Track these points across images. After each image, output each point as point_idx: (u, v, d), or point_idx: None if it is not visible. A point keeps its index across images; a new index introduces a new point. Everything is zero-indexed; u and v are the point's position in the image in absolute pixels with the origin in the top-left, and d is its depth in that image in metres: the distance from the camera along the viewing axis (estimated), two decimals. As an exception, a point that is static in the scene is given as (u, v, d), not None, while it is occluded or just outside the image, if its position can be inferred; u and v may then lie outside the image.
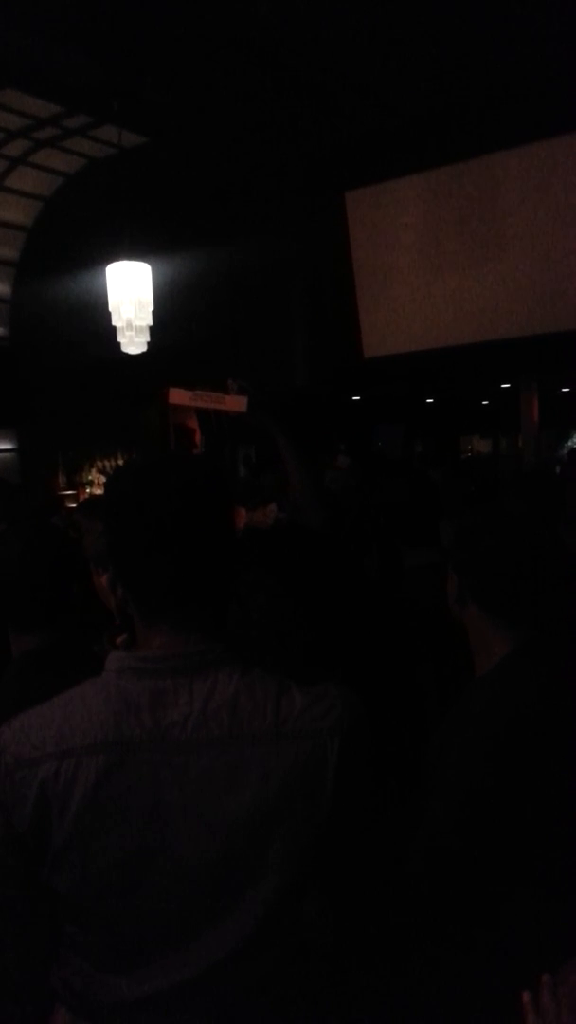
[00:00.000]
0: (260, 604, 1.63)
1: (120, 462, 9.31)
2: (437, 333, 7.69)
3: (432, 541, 2.75)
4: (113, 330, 6.11)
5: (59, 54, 5.72)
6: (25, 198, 8.34)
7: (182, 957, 0.98)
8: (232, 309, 8.34)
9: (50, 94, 6.57)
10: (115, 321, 6.05)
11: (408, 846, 1.32)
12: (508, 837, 1.30)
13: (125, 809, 0.96)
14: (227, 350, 8.10)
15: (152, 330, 6.17)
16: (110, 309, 6.03)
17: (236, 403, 2.30)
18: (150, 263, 6.11)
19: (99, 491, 8.85)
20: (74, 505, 7.61)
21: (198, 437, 9.52)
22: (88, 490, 9.05)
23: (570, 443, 11.49)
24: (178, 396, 2.57)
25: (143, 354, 6.24)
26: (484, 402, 12.56)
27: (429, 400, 12.07)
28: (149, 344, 6.20)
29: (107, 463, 9.30)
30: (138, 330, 6.05)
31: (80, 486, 9.14)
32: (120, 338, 6.12)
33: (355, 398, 10.49)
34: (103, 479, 9.21)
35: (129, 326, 6.01)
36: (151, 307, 6.07)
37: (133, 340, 6.09)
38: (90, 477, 9.22)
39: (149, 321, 6.09)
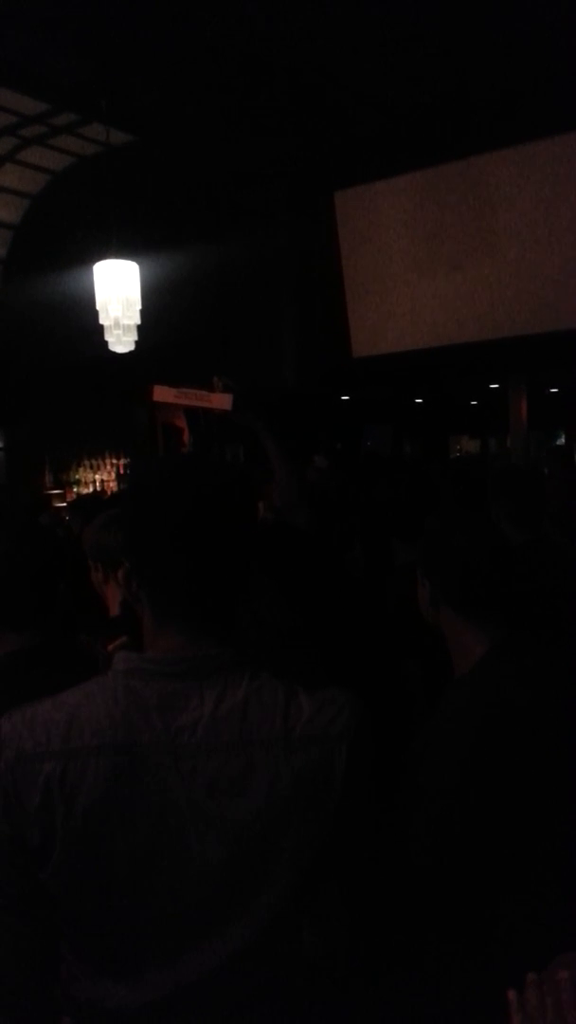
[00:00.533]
0: (267, 604, 1.63)
1: (107, 462, 9.28)
2: (426, 333, 7.69)
3: None
4: (101, 329, 6.07)
5: (47, 52, 5.68)
6: (12, 196, 8.28)
7: (184, 963, 0.97)
8: (221, 308, 8.32)
9: (37, 91, 6.52)
10: (103, 320, 6.02)
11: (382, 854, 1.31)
12: (485, 840, 1.30)
13: (132, 812, 0.95)
14: (215, 349, 8.07)
15: (140, 329, 6.14)
16: (98, 307, 5.99)
17: (221, 401, 2.29)
18: (138, 261, 6.07)
19: (86, 490, 8.82)
20: (63, 504, 7.59)
21: (186, 436, 9.51)
22: (75, 489, 9.02)
23: (557, 443, 11.58)
24: (162, 394, 2.53)
25: (131, 353, 6.21)
26: (473, 402, 12.60)
27: (418, 400, 12.10)
28: (137, 343, 6.17)
29: (94, 462, 9.27)
30: (126, 329, 6.02)
31: (67, 485, 9.10)
32: (108, 337, 6.08)
33: (344, 398, 10.50)
34: (91, 478, 9.18)
35: (117, 325, 5.98)
36: (139, 306, 6.04)
37: (121, 339, 6.06)
38: (77, 476, 9.18)
39: (137, 320, 6.06)
